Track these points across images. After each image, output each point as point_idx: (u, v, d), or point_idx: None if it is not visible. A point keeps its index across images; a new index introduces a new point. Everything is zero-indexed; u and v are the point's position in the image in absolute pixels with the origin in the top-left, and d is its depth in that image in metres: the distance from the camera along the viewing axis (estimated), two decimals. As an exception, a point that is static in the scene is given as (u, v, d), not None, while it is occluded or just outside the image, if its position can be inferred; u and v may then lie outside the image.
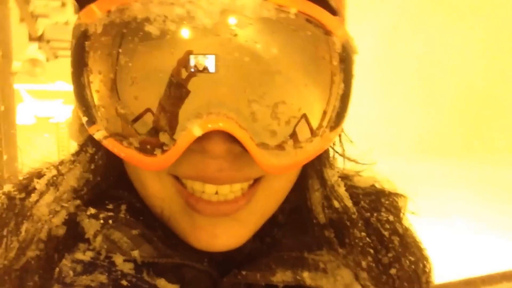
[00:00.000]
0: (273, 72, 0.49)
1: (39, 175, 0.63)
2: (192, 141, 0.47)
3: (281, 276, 0.56)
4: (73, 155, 0.61)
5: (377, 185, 0.73)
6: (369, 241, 0.64)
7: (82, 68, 0.49)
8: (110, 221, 0.55)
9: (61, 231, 0.56)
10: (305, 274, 0.57)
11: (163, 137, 0.48)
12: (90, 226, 0.55)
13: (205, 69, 0.45)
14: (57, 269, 0.54)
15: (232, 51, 0.46)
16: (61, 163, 0.63)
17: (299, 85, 0.50)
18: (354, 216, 0.63)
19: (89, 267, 0.53)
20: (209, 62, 0.45)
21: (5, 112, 4.65)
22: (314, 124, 0.52)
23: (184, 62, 0.46)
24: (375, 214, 0.68)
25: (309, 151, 0.52)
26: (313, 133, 0.52)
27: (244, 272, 0.56)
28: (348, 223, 0.63)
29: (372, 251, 0.63)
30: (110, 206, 0.57)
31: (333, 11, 0.49)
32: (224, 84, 0.47)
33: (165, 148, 0.48)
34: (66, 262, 0.54)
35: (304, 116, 0.51)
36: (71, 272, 0.53)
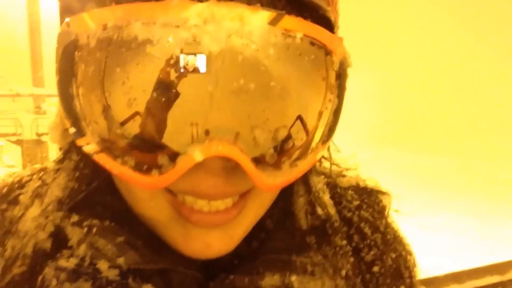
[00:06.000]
0: (277, 99, 0.46)
1: (21, 183, 0.59)
2: (192, 165, 0.43)
3: (269, 280, 0.53)
4: (56, 162, 0.57)
5: (361, 183, 0.70)
6: (350, 249, 0.61)
7: (71, 79, 0.43)
8: (94, 229, 0.51)
9: (47, 245, 0.51)
10: (293, 277, 0.54)
11: (162, 159, 0.44)
12: (74, 233, 0.51)
13: (195, 70, 0.41)
14: (40, 277, 0.49)
15: (238, 77, 0.42)
16: (44, 171, 0.59)
17: (300, 109, 0.48)
18: (336, 224, 0.60)
19: (73, 275, 0.49)
20: (200, 63, 0.41)
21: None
22: (310, 142, 0.49)
23: (178, 72, 0.42)
24: (356, 213, 0.65)
25: (303, 167, 0.50)
26: (308, 151, 0.50)
27: (232, 276, 0.53)
28: (330, 231, 0.60)
29: (352, 259, 0.60)
30: (94, 213, 0.53)
31: (332, 26, 0.47)
32: (227, 109, 0.43)
33: (163, 170, 0.44)
34: (49, 270, 0.49)
35: (301, 136, 0.49)
36: (54, 280, 0.48)
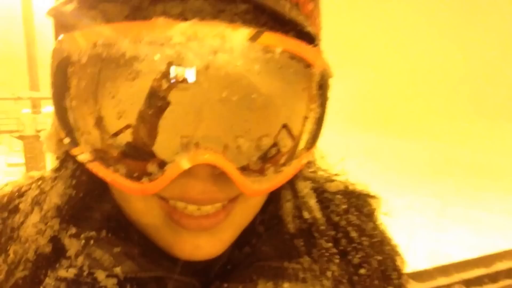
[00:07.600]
0: (259, 109, 0.47)
1: (20, 192, 0.60)
2: (179, 173, 0.44)
3: (263, 287, 0.53)
4: (54, 171, 0.57)
5: (350, 187, 0.71)
6: (336, 252, 0.61)
7: (64, 92, 0.45)
8: (91, 241, 0.52)
9: (47, 249, 0.53)
10: (285, 285, 0.54)
11: (151, 168, 0.46)
12: (71, 245, 0.52)
13: (184, 81, 0.43)
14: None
15: (220, 90, 0.44)
16: (42, 179, 0.60)
17: (282, 118, 0.49)
18: (322, 228, 0.61)
19: (72, 285, 0.50)
20: (190, 75, 0.43)
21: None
22: (294, 149, 0.50)
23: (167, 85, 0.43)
24: (344, 217, 0.66)
25: (287, 172, 0.51)
26: (292, 157, 0.51)
27: (226, 285, 0.53)
28: (316, 234, 0.60)
29: (338, 261, 0.61)
30: (91, 224, 0.54)
31: (313, 39, 0.48)
32: (211, 119, 0.45)
33: (152, 177, 0.45)
34: (49, 281, 0.50)
35: (285, 144, 0.50)
36: None
